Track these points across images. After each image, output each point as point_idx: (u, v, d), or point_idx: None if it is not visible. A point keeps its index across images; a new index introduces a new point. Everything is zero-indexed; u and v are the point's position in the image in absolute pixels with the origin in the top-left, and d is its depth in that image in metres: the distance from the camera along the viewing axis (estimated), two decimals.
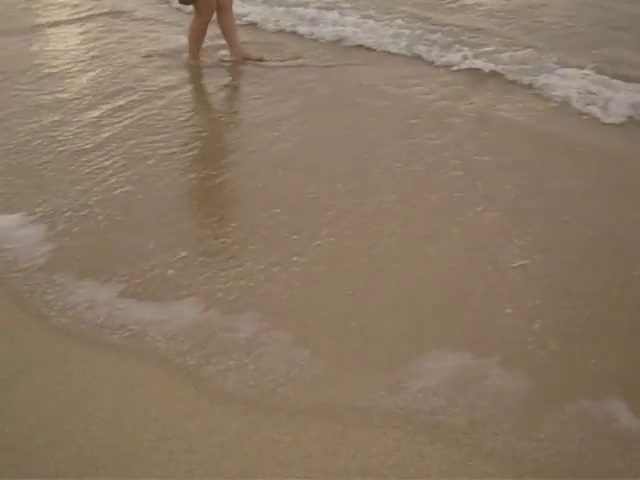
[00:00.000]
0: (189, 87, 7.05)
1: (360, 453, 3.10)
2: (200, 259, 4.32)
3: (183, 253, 4.37)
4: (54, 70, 7.35)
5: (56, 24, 8.84)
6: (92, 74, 7.20)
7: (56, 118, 6.22)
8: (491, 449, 3.15)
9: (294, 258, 4.30)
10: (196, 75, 7.26)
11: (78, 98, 6.62)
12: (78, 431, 3.22)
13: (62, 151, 5.63)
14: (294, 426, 3.23)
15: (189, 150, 5.65)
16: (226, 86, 7.06)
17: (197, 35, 7.22)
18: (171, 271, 4.21)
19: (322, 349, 3.65)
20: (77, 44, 8.19)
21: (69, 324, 3.84)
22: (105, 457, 3.09)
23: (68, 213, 4.79)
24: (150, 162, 5.43)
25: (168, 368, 3.55)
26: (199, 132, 6.03)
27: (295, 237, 4.50)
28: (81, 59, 7.64)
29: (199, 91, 7.12)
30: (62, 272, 4.23)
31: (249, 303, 3.95)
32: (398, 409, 3.32)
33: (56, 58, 7.71)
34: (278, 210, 4.77)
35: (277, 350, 3.63)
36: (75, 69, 7.38)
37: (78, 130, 5.97)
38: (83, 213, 4.78)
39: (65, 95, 6.71)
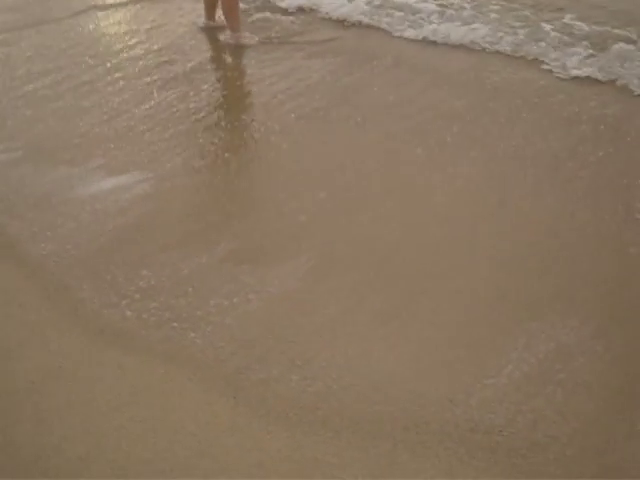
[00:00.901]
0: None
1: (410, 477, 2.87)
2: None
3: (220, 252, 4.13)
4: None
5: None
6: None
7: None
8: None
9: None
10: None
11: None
12: (110, 445, 3.03)
13: None
14: (339, 445, 3.00)
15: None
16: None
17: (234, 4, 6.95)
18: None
19: (371, 357, 3.40)
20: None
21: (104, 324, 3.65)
22: (138, 474, 2.90)
23: None
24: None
25: (206, 376, 3.33)
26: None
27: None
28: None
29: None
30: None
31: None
32: (452, 427, 3.06)
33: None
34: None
35: (323, 358, 3.39)
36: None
37: None
38: None
39: None
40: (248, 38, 7.05)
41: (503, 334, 3.53)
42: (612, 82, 6.05)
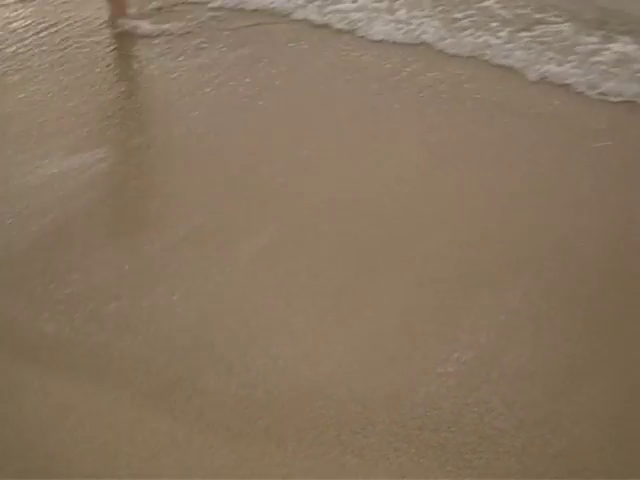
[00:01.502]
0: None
1: None
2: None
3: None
4: None
5: None
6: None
7: None
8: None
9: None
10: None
11: None
12: (38, 472, 2.82)
13: None
14: (285, 455, 2.88)
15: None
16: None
17: None
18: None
19: (311, 357, 3.28)
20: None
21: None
22: None
23: None
24: None
25: (139, 391, 3.14)
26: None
27: None
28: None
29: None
30: None
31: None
32: (400, 427, 2.98)
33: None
34: None
35: (261, 363, 3.25)
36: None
37: None
38: None
39: None
40: (143, 26, 6.67)
41: (444, 323, 3.48)
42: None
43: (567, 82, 5.66)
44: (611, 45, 6.09)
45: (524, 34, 6.29)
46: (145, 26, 6.58)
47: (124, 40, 6.38)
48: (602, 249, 4.02)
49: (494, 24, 6.48)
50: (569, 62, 5.90)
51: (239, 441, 2.92)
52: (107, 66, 5.93)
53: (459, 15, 6.66)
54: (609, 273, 3.87)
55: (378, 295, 3.63)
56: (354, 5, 6.85)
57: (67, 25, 6.51)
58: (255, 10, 6.88)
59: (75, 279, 3.70)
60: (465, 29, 6.44)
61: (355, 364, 3.26)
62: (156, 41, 6.29)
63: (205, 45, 6.20)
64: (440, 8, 6.89)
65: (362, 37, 6.34)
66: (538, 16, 6.53)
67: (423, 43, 6.24)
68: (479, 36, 6.31)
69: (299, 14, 6.83)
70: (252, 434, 2.95)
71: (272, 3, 7.01)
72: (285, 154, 4.75)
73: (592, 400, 3.14)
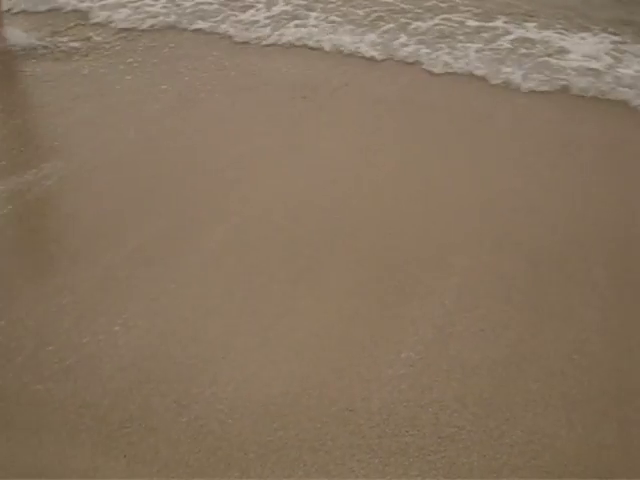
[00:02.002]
0: None
1: None
2: None
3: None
4: None
5: None
6: None
7: None
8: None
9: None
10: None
11: None
12: None
13: None
14: None
15: None
16: None
17: None
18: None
19: (259, 379, 3.23)
20: None
21: None
22: None
23: None
24: None
25: (88, 438, 3.01)
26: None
27: None
28: None
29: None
30: None
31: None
32: (360, 438, 2.97)
33: None
34: None
35: (210, 392, 3.18)
36: None
37: None
38: None
39: None
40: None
41: (387, 326, 3.50)
42: None
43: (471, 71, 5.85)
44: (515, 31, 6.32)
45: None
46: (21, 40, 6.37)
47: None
48: (537, 240, 4.14)
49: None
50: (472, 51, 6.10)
51: (200, 476, 2.84)
52: None
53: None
54: (541, 257, 3.99)
55: (319, 306, 3.62)
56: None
57: None
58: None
59: (2, 326, 3.51)
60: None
61: (305, 380, 3.23)
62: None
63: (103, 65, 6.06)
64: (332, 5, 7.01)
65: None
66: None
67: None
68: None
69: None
70: (212, 467, 2.88)
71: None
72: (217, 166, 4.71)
73: (540, 385, 3.21)
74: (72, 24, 6.99)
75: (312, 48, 6.60)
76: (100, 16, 7.11)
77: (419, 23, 6.86)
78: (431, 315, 3.57)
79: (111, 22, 7.02)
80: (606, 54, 6.30)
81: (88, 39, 6.66)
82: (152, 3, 7.34)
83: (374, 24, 6.91)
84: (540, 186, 4.64)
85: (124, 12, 7.15)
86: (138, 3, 7.33)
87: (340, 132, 5.20)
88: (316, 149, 5.00)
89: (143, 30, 6.93)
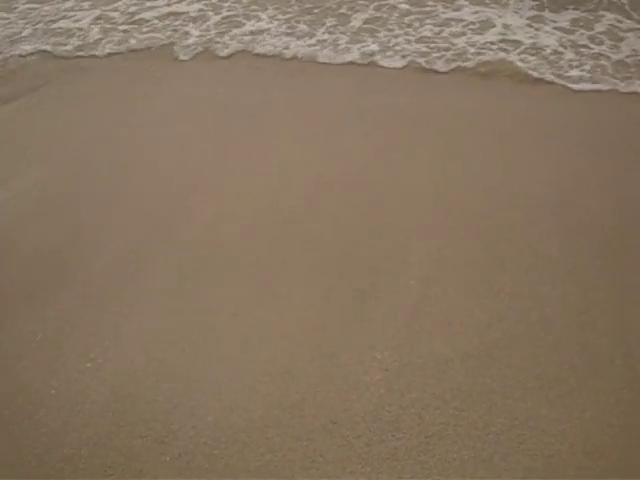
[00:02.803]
0: None
1: None
2: None
3: None
4: None
5: None
6: None
7: None
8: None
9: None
10: None
11: None
12: None
13: None
14: None
15: None
16: None
17: None
18: None
19: (241, 409, 3.18)
20: None
21: None
22: None
23: None
24: None
25: None
26: None
27: None
28: None
29: None
30: None
31: None
32: (348, 449, 2.96)
33: None
34: None
35: (192, 426, 3.11)
36: None
37: None
38: None
39: None
40: None
41: (355, 332, 3.49)
42: None
43: None
44: None
45: None
46: None
47: None
48: (489, 219, 4.19)
49: None
50: None
51: None
52: None
53: None
54: (495, 237, 4.04)
55: (285, 320, 3.59)
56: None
57: None
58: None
59: None
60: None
61: (284, 400, 3.20)
62: None
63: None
64: None
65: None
66: None
67: None
68: None
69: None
70: None
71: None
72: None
73: (514, 369, 3.25)
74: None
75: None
76: None
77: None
78: (397, 315, 3.57)
79: None
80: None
81: None
82: None
83: None
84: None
85: None
86: None
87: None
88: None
89: None
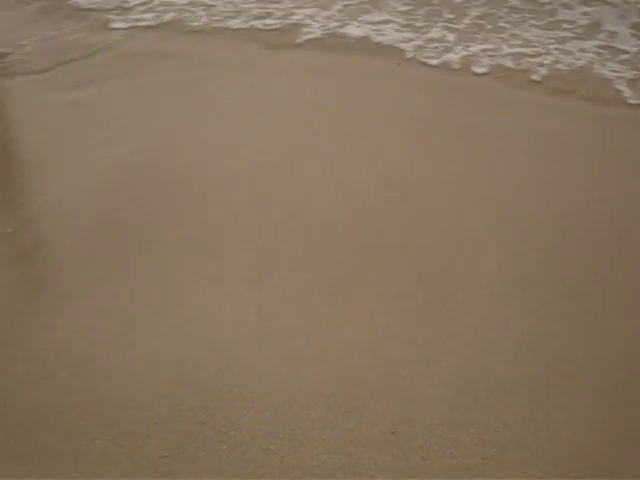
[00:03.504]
0: None
1: None
2: None
3: None
4: None
5: None
6: None
7: None
8: None
9: None
10: None
11: None
12: None
13: None
14: None
15: None
16: None
17: None
18: None
19: (300, 407, 3.20)
20: None
21: None
22: None
23: None
24: None
25: (126, 463, 2.97)
26: None
27: None
28: None
29: None
30: None
31: None
32: (403, 461, 2.94)
33: None
34: None
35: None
36: None
37: None
38: None
39: None
40: None
41: (424, 341, 3.46)
42: None
43: None
44: None
45: None
46: None
47: None
48: (556, 245, 4.11)
49: None
50: None
51: None
52: None
53: None
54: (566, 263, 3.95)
55: (352, 324, 3.59)
56: None
57: None
58: None
59: (34, 354, 3.48)
60: None
61: (344, 403, 3.20)
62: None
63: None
64: None
65: None
66: None
67: None
68: None
69: None
70: None
71: None
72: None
73: (583, 401, 3.18)
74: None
75: None
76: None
77: None
78: (465, 332, 3.53)
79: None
80: None
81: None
82: None
83: None
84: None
85: None
86: None
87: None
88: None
89: None
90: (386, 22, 7.33)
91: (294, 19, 7.49)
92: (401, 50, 6.72)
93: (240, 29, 7.32)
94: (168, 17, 7.64)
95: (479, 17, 7.30)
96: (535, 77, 6.11)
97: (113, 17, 7.68)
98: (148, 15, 7.71)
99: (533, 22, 7.09)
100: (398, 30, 7.14)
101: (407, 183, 4.70)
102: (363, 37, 7.02)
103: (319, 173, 4.80)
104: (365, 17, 7.47)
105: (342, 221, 4.33)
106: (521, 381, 3.29)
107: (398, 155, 5.02)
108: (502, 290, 3.79)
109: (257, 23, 7.40)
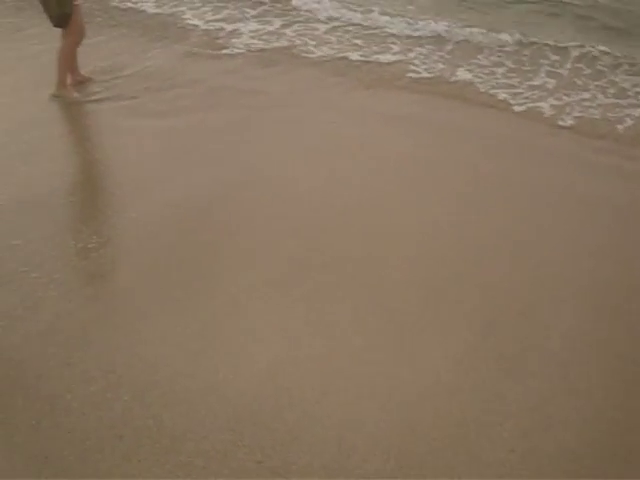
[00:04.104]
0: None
1: None
2: None
3: None
4: None
5: None
6: None
7: None
8: None
9: None
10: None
11: None
12: None
13: None
14: None
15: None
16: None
17: (69, 59, 6.61)
18: None
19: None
20: None
21: None
22: None
23: None
24: None
25: None
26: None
27: None
28: None
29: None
30: None
31: None
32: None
33: None
34: None
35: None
36: None
37: None
38: None
39: None
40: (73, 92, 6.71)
41: (488, 395, 3.38)
42: None
43: None
44: None
45: None
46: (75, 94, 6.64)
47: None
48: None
49: None
50: None
51: None
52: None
53: None
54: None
55: (419, 372, 3.56)
56: None
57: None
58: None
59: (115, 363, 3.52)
60: None
61: (402, 457, 3.15)
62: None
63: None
64: None
65: None
66: None
67: None
68: None
69: None
70: None
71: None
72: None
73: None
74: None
75: None
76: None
77: None
78: (532, 396, 3.44)
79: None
80: None
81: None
82: None
83: None
84: None
85: None
86: None
87: None
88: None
89: None
90: (496, 65, 7.48)
91: (408, 56, 7.68)
92: (497, 99, 6.75)
93: (348, 63, 7.45)
94: (276, 44, 7.85)
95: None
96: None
97: (215, 47, 7.89)
98: (256, 43, 7.93)
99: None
100: (504, 74, 7.27)
101: (479, 244, 4.64)
102: (467, 82, 7.06)
103: (399, 227, 4.78)
104: (474, 60, 7.57)
105: (421, 272, 4.30)
106: (588, 457, 3.18)
107: (468, 213, 4.97)
108: (573, 356, 3.69)
109: (362, 57, 7.55)
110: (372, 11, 8.94)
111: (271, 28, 8.44)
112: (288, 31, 8.40)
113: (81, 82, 6.85)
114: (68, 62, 6.60)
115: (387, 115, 6.40)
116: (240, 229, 4.66)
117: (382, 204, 4.99)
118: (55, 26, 6.42)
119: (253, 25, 8.50)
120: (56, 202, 4.94)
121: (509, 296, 4.09)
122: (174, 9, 9.04)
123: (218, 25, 8.55)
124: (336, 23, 8.61)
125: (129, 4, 9.17)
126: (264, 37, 8.24)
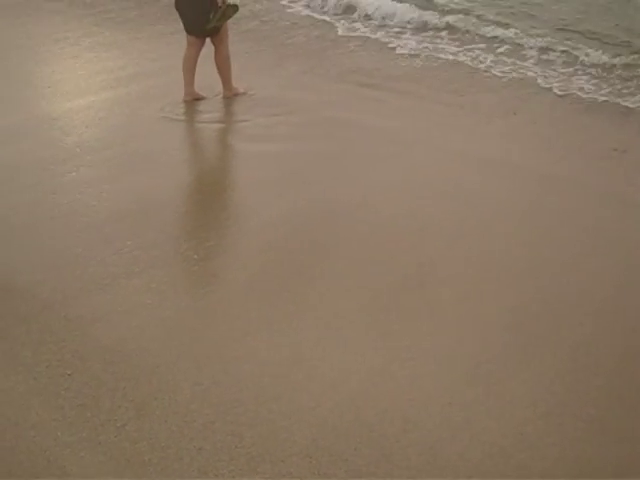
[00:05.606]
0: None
1: None
2: None
3: None
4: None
5: None
6: None
7: None
8: None
9: None
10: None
11: None
12: None
13: None
14: None
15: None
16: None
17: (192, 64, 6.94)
18: None
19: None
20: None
21: None
22: None
23: None
24: None
25: None
26: None
27: None
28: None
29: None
30: None
31: None
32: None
33: None
34: None
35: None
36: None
37: None
38: None
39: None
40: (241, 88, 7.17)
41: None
42: None
43: None
44: None
45: None
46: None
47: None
48: None
49: None
50: None
51: None
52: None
53: None
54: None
55: (499, 417, 3.45)
56: None
57: None
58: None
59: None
60: None
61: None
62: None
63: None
64: None
65: None
66: None
67: None
68: None
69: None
70: None
71: None
72: None
73: None
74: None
75: None
76: None
77: None
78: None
79: None
80: None
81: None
82: None
83: None
84: None
85: None
86: None
87: None
88: None
89: None
90: None
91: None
92: None
93: None
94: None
95: None
96: None
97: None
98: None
99: None
100: None
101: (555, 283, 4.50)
102: None
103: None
104: None
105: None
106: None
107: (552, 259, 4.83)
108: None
109: None
110: None
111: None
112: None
113: (197, 99, 7.07)
114: (228, 67, 6.99)
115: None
116: (337, 252, 4.71)
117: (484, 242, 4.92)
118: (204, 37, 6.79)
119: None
120: (165, 214, 5.12)
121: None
122: None
123: None
124: None
125: None
126: None
